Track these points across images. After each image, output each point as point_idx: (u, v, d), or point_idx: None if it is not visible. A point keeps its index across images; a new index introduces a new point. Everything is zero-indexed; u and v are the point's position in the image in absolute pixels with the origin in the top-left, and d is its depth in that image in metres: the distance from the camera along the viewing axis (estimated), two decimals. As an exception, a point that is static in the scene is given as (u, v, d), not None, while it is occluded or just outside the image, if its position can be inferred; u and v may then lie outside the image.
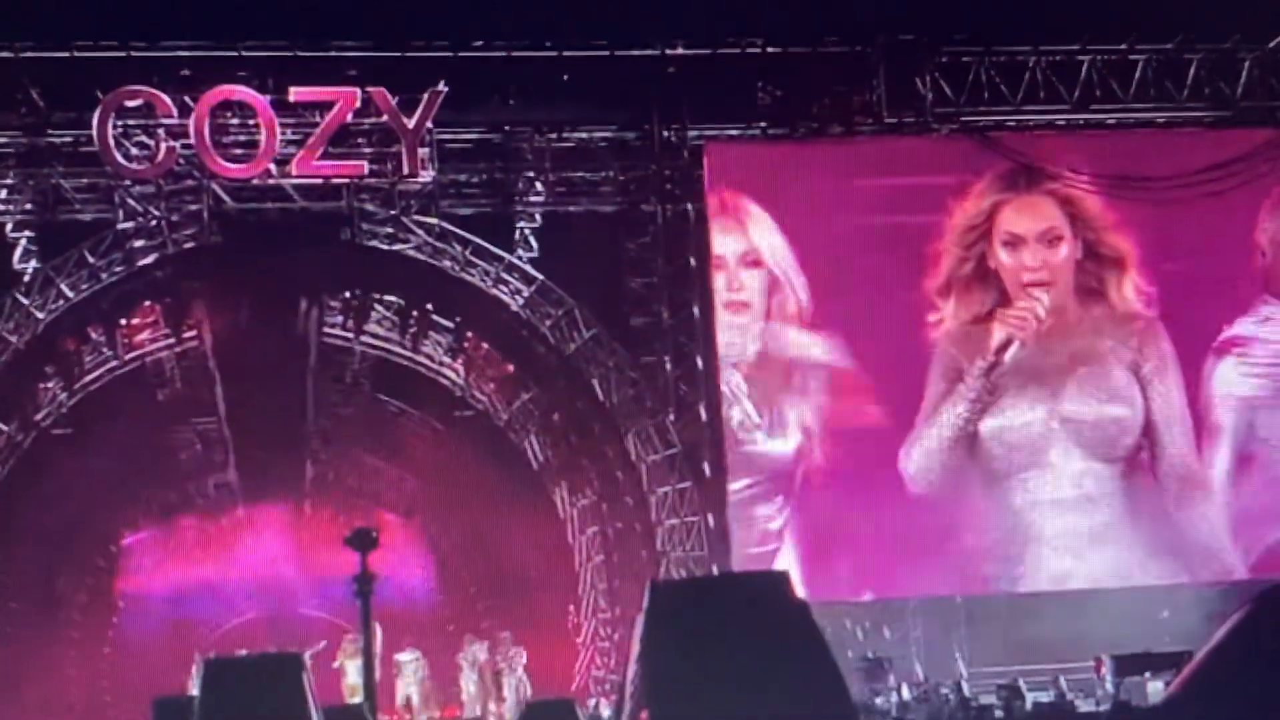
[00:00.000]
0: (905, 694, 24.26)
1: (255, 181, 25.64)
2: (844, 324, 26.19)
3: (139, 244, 26.01)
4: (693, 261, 26.83)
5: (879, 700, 24.15)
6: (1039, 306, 26.08)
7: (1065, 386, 26.11)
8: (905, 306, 26.28)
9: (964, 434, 25.85)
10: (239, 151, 25.52)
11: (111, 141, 25.05)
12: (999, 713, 23.17)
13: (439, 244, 26.51)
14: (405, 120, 25.52)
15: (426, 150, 25.83)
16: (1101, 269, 26.62)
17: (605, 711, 23.68)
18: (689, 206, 26.88)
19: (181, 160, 25.34)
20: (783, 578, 11.45)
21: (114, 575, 30.44)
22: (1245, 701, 8.80)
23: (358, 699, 23.43)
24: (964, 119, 27.02)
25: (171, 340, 27.90)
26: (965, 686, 24.49)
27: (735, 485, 26.00)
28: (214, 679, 14.07)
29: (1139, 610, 25.46)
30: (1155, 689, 21.37)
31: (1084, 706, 23.06)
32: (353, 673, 26.12)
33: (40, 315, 25.84)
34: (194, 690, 15.90)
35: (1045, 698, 23.59)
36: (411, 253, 26.46)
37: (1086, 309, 26.51)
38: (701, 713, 10.34)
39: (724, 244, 26.45)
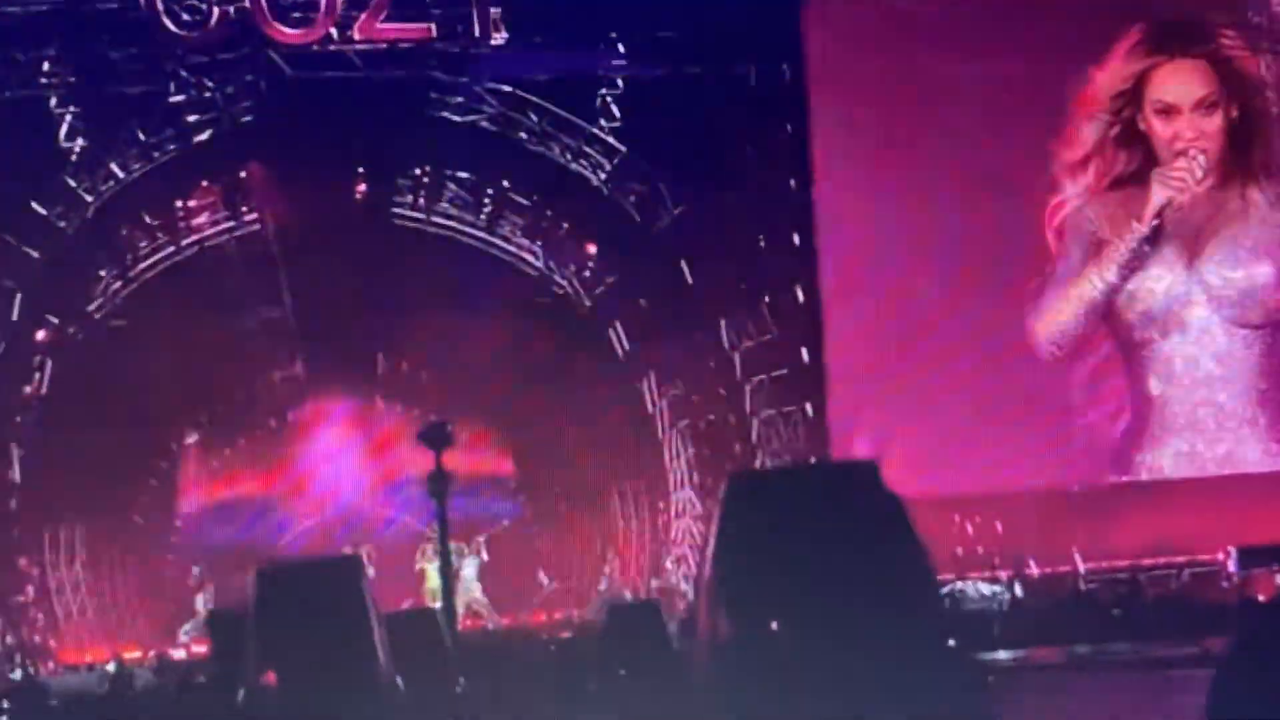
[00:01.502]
0: (1018, 590, 24.16)
1: (315, 48, 25.45)
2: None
3: (193, 119, 25.95)
4: (789, 128, 26.39)
5: (989, 592, 24.11)
6: (1197, 167, 25.71)
7: (1207, 249, 25.73)
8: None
9: (1101, 301, 25.70)
10: (297, 15, 25.16)
11: (161, 6, 24.90)
12: (1116, 610, 23.01)
13: (514, 114, 26.24)
14: (476, -24, 25.19)
15: (499, 10, 25.48)
16: (1254, 132, 26.21)
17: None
18: (784, 67, 26.37)
19: (236, 26, 25.20)
20: (872, 467, 11.13)
21: (176, 476, 30.61)
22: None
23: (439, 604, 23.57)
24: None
25: (232, 223, 27.78)
26: (1081, 582, 24.37)
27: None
28: (268, 586, 14.04)
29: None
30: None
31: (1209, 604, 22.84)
32: (433, 576, 26.37)
33: (89, 199, 25.88)
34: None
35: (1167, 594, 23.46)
36: (485, 124, 26.23)
37: (1236, 173, 26.12)
38: (778, 612, 10.09)
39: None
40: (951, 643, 11.13)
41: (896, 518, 10.43)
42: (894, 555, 10.27)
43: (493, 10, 25.24)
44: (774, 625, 10.00)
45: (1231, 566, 23.58)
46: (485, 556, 27.02)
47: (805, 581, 10.00)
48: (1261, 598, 21.22)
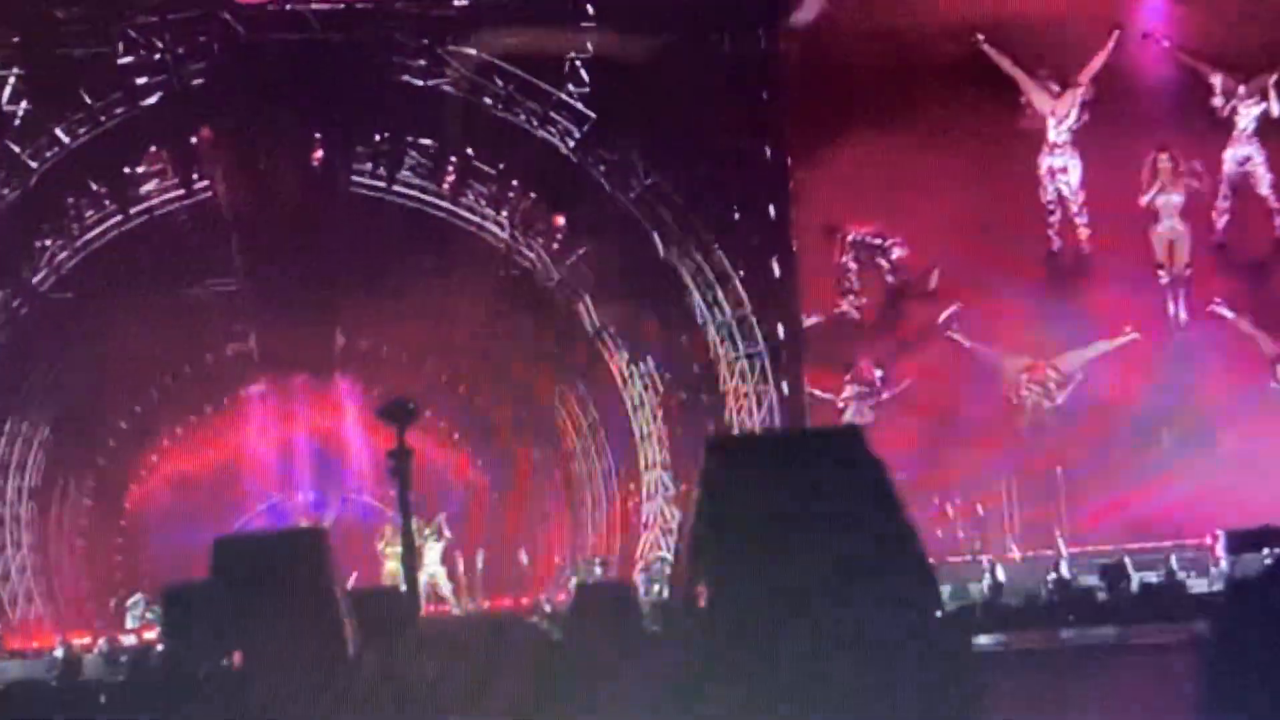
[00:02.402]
0: (1000, 575, 24.34)
1: (270, 8, 25.48)
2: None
3: (142, 82, 25.92)
4: (765, 96, 26.52)
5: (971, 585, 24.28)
6: None
7: None
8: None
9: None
10: (253, -28, 25.30)
11: (109, -38, 24.92)
12: (1102, 594, 23.18)
13: (478, 79, 26.29)
14: (438, -68, 25.25)
15: (463, -31, 25.53)
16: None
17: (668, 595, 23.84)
18: (760, 33, 26.52)
19: (188, -17, 25.20)
20: (855, 432, 11.29)
21: (125, 457, 30.64)
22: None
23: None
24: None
25: (182, 191, 27.71)
26: (1065, 567, 24.57)
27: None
28: (225, 558, 14.07)
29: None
30: (1274, 566, 21.29)
31: (1196, 587, 23.07)
32: (394, 558, 26.43)
33: (34, 165, 25.84)
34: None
35: (1153, 578, 23.63)
36: (448, 89, 26.29)
37: None
38: (761, 581, 10.25)
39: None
40: (939, 613, 11.33)
41: (880, 482, 10.62)
42: (877, 519, 10.46)
43: (458, -32, 25.25)
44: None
45: (1219, 550, 23.74)
46: (448, 534, 27.12)
47: (787, 546, 10.17)
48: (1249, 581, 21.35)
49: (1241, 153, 26.45)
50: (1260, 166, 26.36)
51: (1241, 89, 26.40)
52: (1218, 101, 26.40)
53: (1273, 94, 26.38)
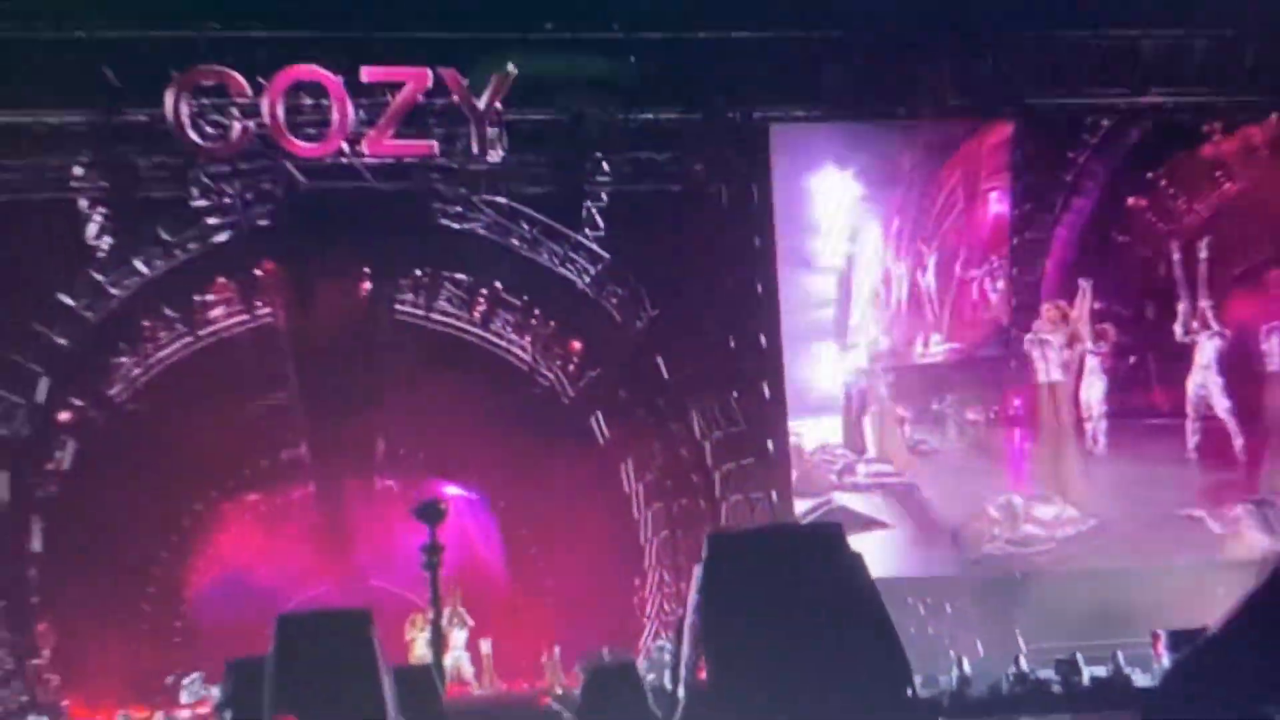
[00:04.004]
0: (966, 668, 24.49)
1: (328, 160, 26.14)
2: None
3: (213, 221, 26.57)
4: (757, 241, 27.13)
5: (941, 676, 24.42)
6: None
7: None
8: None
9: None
10: (312, 131, 26.06)
11: (186, 120, 25.59)
12: (1057, 687, 23.37)
13: (507, 223, 26.93)
14: (475, 101, 25.94)
15: (496, 130, 26.25)
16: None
17: (667, 680, 24.04)
18: (753, 186, 27.19)
19: (255, 139, 25.85)
20: (836, 529, 11.73)
21: (187, 549, 30.92)
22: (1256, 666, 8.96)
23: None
24: (1026, 102, 27.22)
25: (246, 317, 28.43)
26: (1024, 661, 24.67)
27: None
28: (286, 634, 14.37)
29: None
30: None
31: (1140, 681, 23.22)
32: (421, 645, 26.66)
33: (115, 291, 26.43)
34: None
35: (1102, 672, 23.77)
36: (481, 231, 26.92)
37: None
38: (757, 659, 10.65)
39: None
40: (910, 692, 11.72)
41: (858, 573, 11.07)
42: (856, 607, 10.89)
43: (489, 130, 25.90)
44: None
45: (1161, 649, 23.78)
46: (470, 621, 27.32)
47: (779, 630, 10.58)
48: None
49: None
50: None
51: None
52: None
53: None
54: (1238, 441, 26.94)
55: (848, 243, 26.96)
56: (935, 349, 27.13)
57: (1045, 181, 27.19)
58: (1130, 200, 27.46)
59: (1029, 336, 26.98)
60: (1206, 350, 27.00)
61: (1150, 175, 27.51)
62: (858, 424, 27.22)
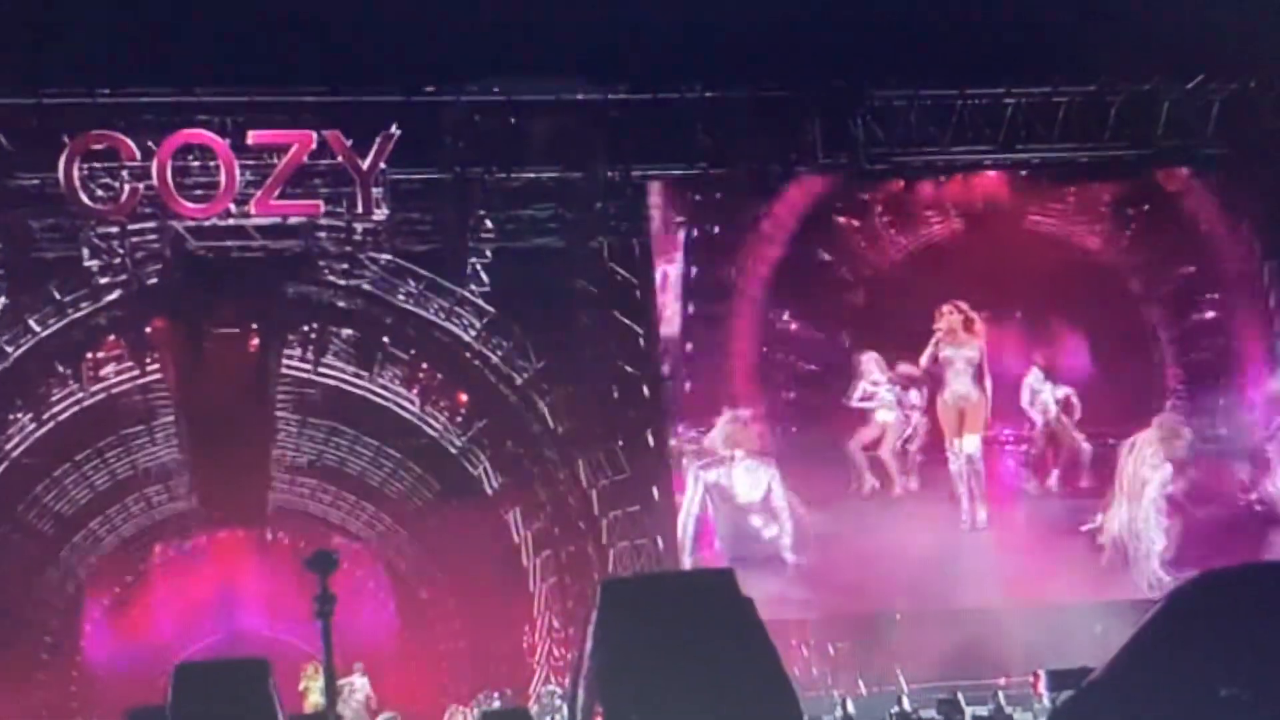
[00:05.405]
0: (850, 708, 24.38)
1: (216, 221, 25.98)
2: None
3: (104, 281, 26.27)
4: (638, 294, 27.22)
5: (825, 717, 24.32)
6: None
7: None
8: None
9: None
10: (200, 192, 25.99)
11: (78, 183, 25.37)
12: (939, 727, 23.28)
13: (393, 279, 26.86)
14: (359, 161, 25.88)
15: (380, 190, 26.22)
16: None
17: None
18: (634, 241, 27.32)
19: (145, 201, 25.60)
20: (728, 575, 11.78)
21: (81, 599, 30.48)
22: (1159, 686, 9.15)
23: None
24: (895, 159, 27.59)
25: (136, 373, 28.13)
26: (906, 701, 24.62)
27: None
28: (185, 683, 14.22)
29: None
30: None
31: (1021, 720, 23.26)
32: (315, 693, 26.36)
33: (10, 350, 26.01)
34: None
35: (983, 711, 23.74)
36: (367, 287, 26.84)
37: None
38: (653, 704, 10.64)
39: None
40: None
41: (749, 618, 11.10)
42: (748, 650, 10.91)
43: (374, 190, 25.83)
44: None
45: (1041, 688, 23.72)
46: (366, 678, 27.08)
47: (673, 675, 10.58)
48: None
49: None
50: None
51: None
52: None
53: None
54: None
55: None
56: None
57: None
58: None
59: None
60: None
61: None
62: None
